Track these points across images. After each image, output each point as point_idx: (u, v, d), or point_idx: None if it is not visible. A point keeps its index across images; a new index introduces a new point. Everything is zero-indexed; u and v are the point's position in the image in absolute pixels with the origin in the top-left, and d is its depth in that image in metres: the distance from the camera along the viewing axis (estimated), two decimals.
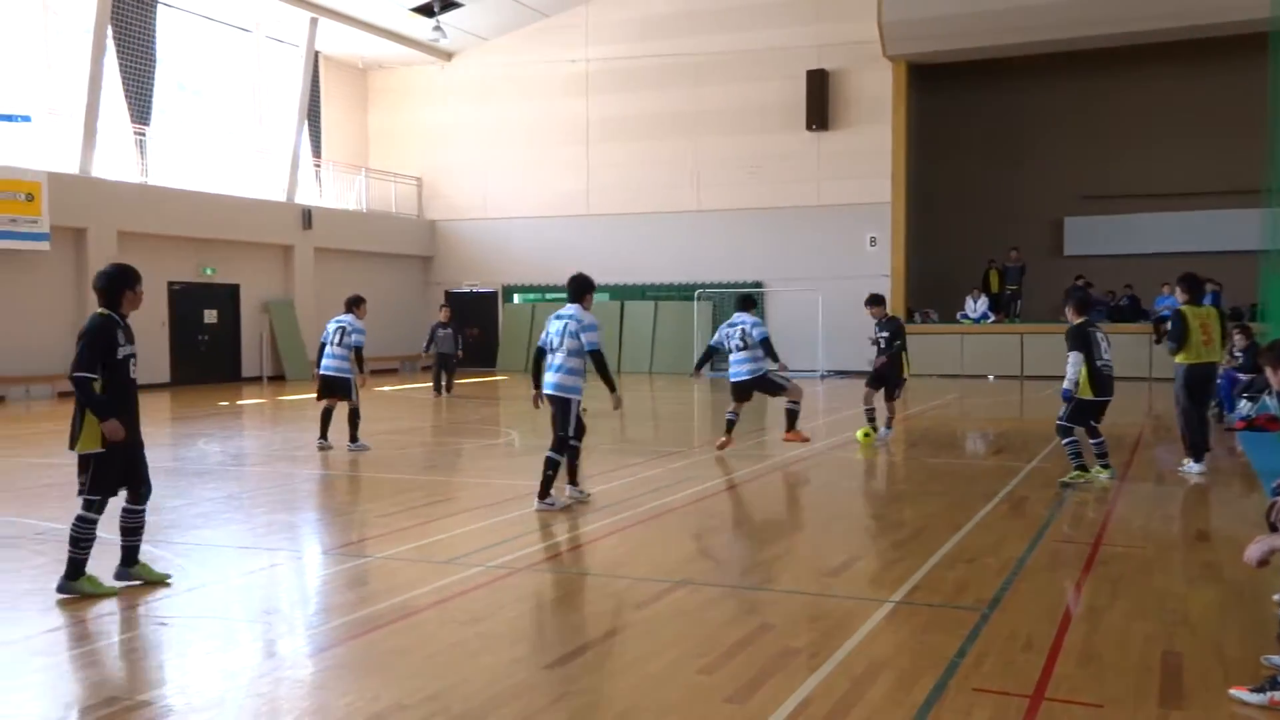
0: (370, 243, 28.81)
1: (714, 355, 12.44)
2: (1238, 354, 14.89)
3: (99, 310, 6.17)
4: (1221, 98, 25.48)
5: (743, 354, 11.74)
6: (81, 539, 6.02)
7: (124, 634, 5.50)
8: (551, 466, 8.66)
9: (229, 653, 5.19)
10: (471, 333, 30.56)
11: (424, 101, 30.48)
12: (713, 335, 12.62)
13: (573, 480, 9.00)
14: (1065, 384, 9.76)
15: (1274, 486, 5.98)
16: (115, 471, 6.09)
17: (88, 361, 5.97)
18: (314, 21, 26.14)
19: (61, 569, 6.11)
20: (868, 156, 26.17)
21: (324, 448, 12.44)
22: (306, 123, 27.21)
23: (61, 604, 5.92)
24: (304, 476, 10.98)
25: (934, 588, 6.26)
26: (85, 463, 6.06)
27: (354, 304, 12.77)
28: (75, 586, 6.02)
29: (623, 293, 28.75)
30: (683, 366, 26.93)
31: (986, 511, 8.61)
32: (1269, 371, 5.41)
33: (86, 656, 5.22)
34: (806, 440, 12.23)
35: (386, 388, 23.25)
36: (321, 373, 12.64)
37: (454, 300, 30.57)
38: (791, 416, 12.16)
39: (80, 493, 6.07)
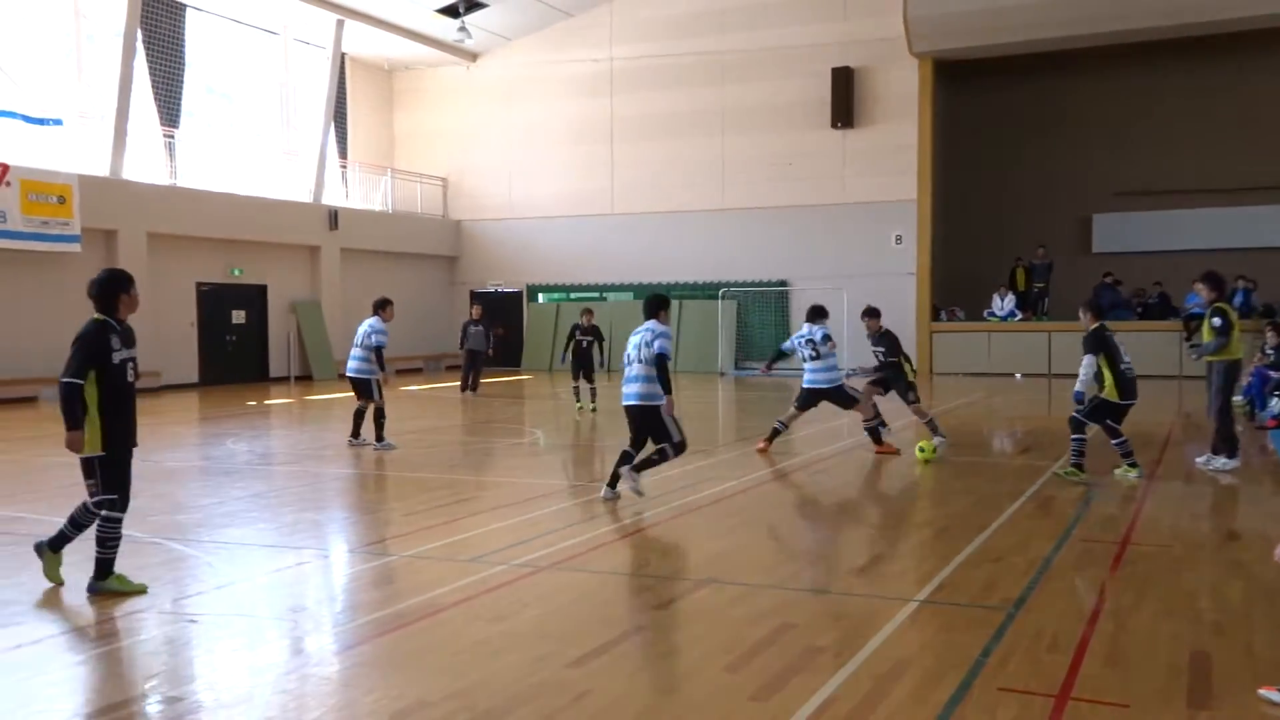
0: (396, 243, 28.97)
1: (783, 357, 12.56)
2: (1269, 351, 14.72)
3: (95, 316, 6.15)
4: (1255, 93, 25.19)
5: (816, 363, 11.87)
6: (109, 539, 6.09)
7: (153, 631, 5.57)
8: (660, 455, 8.88)
9: (256, 650, 5.25)
10: (497, 332, 30.68)
11: (449, 102, 30.61)
12: (785, 340, 12.78)
13: (637, 467, 9.00)
14: (1077, 385, 9.77)
15: None
16: (122, 470, 6.13)
17: (76, 368, 5.99)
18: (340, 23, 26.31)
19: (86, 566, 6.19)
20: (893, 154, 26.04)
21: (354, 445, 12.59)
22: (333, 124, 27.39)
23: (92, 601, 6.00)
24: (331, 476, 11.06)
25: (959, 587, 6.23)
26: (90, 467, 6.09)
27: (379, 306, 12.91)
28: (106, 585, 6.09)
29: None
30: (707, 366, 26.92)
31: (1013, 510, 8.56)
32: None
33: (117, 653, 5.28)
34: (896, 452, 11.88)
35: (412, 387, 23.38)
36: (345, 374, 12.87)
37: (479, 300, 30.70)
38: (874, 434, 11.98)
39: (92, 495, 6.10)
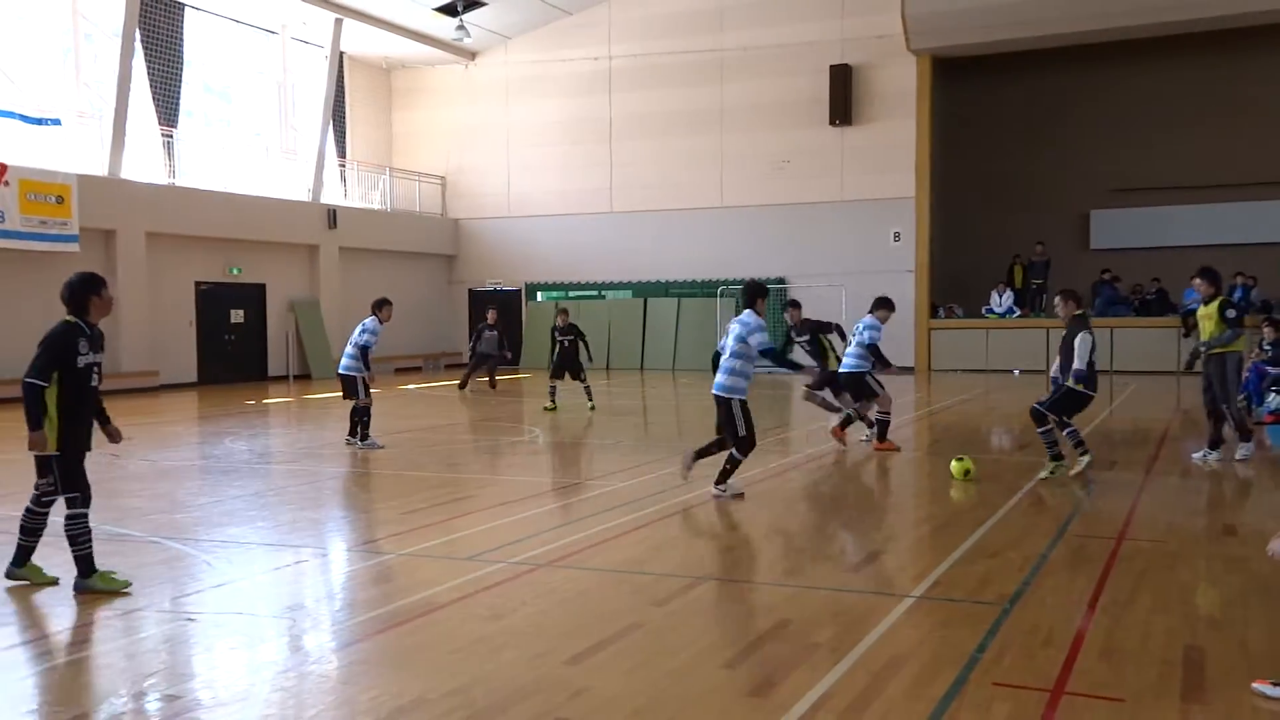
0: (394, 242, 28.98)
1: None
2: (1267, 347, 14.74)
3: (66, 318, 6.13)
4: (1252, 88, 25.20)
5: (850, 349, 12.14)
6: (79, 535, 6.11)
7: (152, 629, 5.58)
8: (732, 462, 8.97)
9: (255, 648, 5.26)
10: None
11: (448, 101, 30.61)
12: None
13: (701, 452, 9.25)
14: (1078, 364, 9.65)
15: None
16: (77, 468, 6.15)
17: (40, 369, 5.99)
18: (339, 22, 26.30)
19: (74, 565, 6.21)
20: (892, 151, 26.04)
21: (350, 444, 12.61)
22: (331, 123, 27.39)
23: (89, 599, 6.02)
24: (329, 474, 11.08)
25: (956, 583, 6.25)
26: (45, 466, 6.10)
27: (377, 306, 12.89)
28: (90, 585, 6.10)
29: (646, 290, 28.77)
30: (706, 363, 26.90)
31: (1009, 507, 8.58)
32: None
33: (115, 651, 5.30)
34: (897, 449, 11.94)
35: (411, 386, 23.39)
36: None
37: (477, 298, 30.75)
38: (883, 427, 11.99)
39: (41, 493, 6.14)
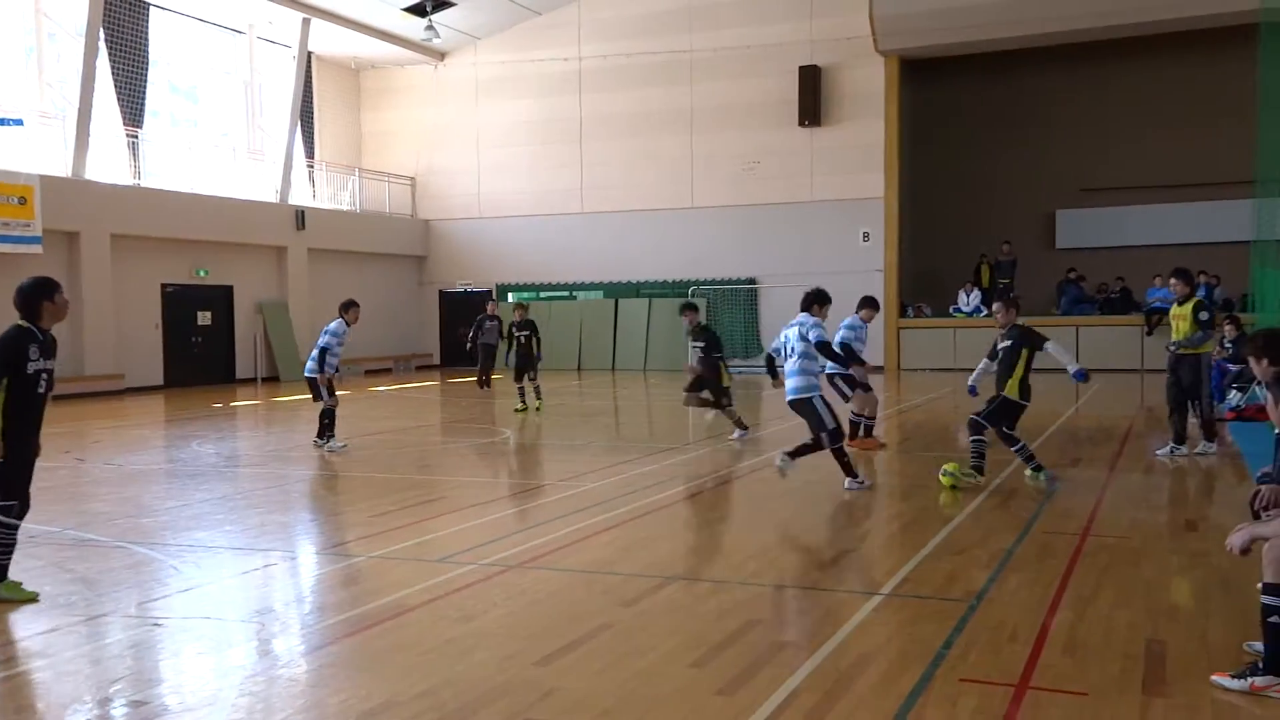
0: (364, 243, 28.82)
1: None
2: (1228, 345, 14.97)
3: (18, 322, 5.99)
4: (1213, 89, 25.54)
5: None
6: (4, 544, 5.99)
7: (117, 635, 5.54)
8: (840, 455, 9.07)
9: (223, 652, 5.23)
10: (466, 334, 30.55)
11: (417, 101, 30.48)
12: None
13: (793, 453, 9.23)
14: (1072, 367, 9.61)
15: (1259, 475, 6.05)
16: (19, 476, 6.02)
17: None
18: (306, 22, 26.13)
19: (54, 571, 6.14)
20: (860, 152, 26.21)
21: (318, 446, 12.54)
22: (299, 123, 27.20)
23: (55, 606, 5.95)
24: (298, 477, 11.01)
25: (923, 580, 6.31)
26: None
27: (342, 309, 12.79)
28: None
29: (617, 290, 28.79)
30: (676, 363, 26.98)
31: (976, 504, 8.66)
32: (1253, 362, 5.47)
33: (81, 658, 5.24)
34: (883, 446, 11.97)
35: (381, 387, 23.28)
36: None
37: (448, 300, 30.64)
38: (854, 427, 11.96)
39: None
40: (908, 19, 24.73)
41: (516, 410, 16.79)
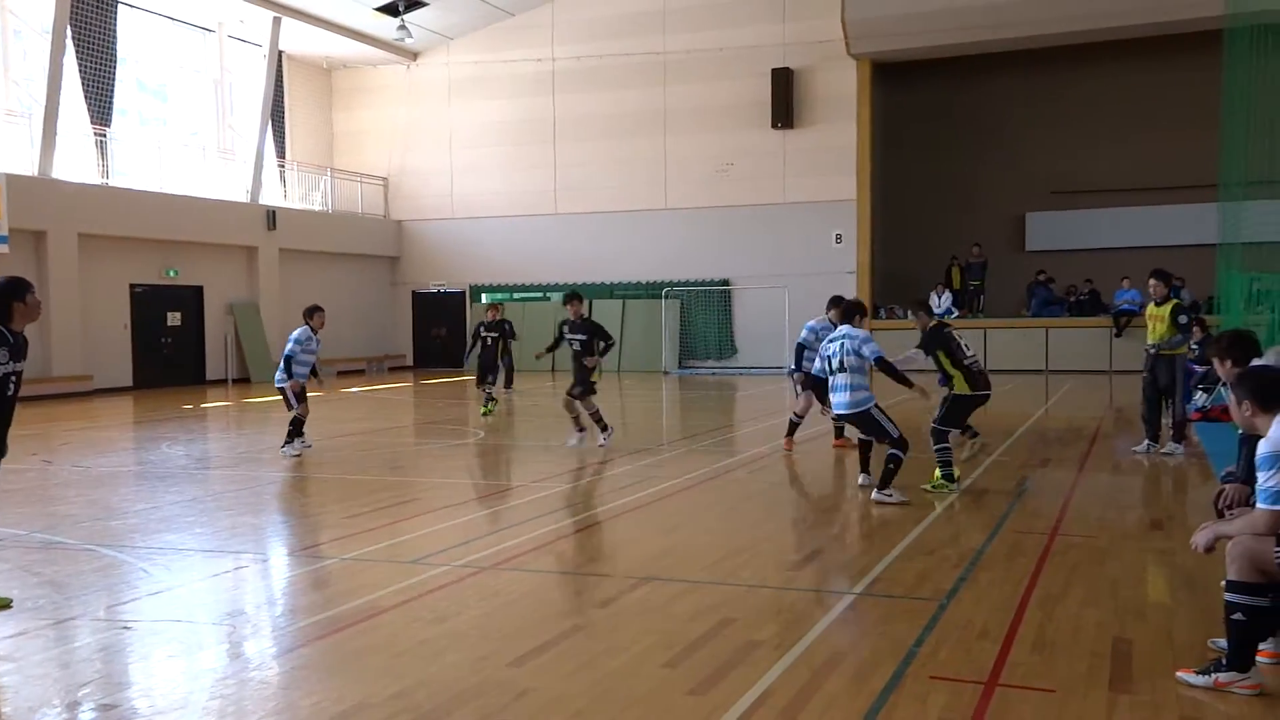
0: (336, 244, 28.66)
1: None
2: (1194, 346, 15.15)
3: None
4: (1180, 94, 25.87)
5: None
6: None
7: (86, 638, 5.48)
8: (894, 461, 8.82)
9: (193, 655, 5.20)
10: (438, 334, 30.49)
11: (390, 101, 30.36)
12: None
13: (881, 485, 8.89)
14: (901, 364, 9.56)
15: (1223, 474, 6.15)
16: None
17: None
18: (277, 21, 25.96)
19: (21, 575, 6.08)
20: (833, 154, 26.36)
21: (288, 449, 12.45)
22: (270, 123, 27.01)
23: (24, 609, 5.89)
24: (269, 479, 10.94)
25: (894, 579, 6.37)
26: None
27: (306, 315, 12.59)
28: None
29: (590, 291, 28.68)
30: (651, 365, 27.04)
31: (947, 504, 8.74)
32: (1217, 363, 5.56)
33: (50, 662, 5.19)
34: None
35: (355, 389, 23.16)
36: None
37: (420, 301, 30.53)
38: (793, 427, 12.00)
39: None
40: (879, 23, 24.90)
41: (483, 414, 16.56)
